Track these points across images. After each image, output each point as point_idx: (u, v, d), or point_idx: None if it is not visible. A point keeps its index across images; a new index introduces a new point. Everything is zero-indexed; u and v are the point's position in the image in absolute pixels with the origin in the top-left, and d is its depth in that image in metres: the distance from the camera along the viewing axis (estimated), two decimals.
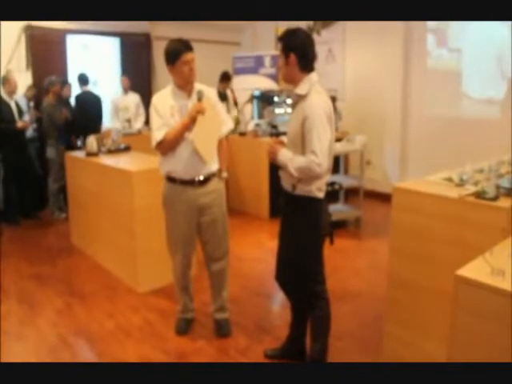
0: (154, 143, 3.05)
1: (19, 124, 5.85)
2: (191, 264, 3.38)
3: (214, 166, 3.18)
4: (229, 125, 3.34)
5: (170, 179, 3.16)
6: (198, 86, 3.11)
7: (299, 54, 2.54)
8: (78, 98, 6.85)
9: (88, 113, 6.74)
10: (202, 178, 3.12)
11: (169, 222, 3.24)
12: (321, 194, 2.62)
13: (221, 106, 3.34)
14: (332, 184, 5.51)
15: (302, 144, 2.52)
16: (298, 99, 2.60)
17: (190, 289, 3.43)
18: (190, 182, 3.11)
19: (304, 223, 2.63)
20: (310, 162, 2.42)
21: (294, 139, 2.58)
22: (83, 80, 6.87)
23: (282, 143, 2.71)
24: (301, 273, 2.71)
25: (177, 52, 2.96)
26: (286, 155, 2.56)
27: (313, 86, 2.56)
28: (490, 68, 5.95)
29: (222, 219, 3.25)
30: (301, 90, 2.57)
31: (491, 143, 5.29)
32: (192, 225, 3.18)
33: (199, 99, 3.01)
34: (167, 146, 3.04)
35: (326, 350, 2.81)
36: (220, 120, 3.21)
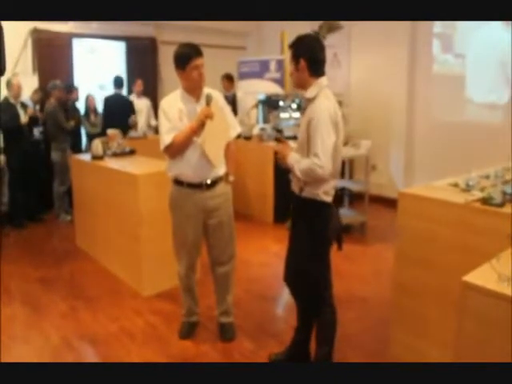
0: (162, 147, 3.06)
1: (23, 119, 5.89)
2: (196, 267, 3.38)
3: (221, 170, 3.19)
4: (237, 129, 3.35)
5: (178, 182, 3.17)
6: (206, 90, 3.12)
7: (309, 59, 2.57)
8: (107, 99, 7.08)
9: (117, 114, 6.92)
10: (209, 181, 3.13)
11: (175, 224, 3.24)
12: (328, 198, 2.62)
13: (229, 110, 3.34)
14: (341, 189, 5.51)
15: (308, 147, 2.54)
16: (307, 103, 2.63)
17: (194, 292, 3.43)
18: (198, 186, 3.12)
19: (310, 226, 2.63)
20: (312, 164, 2.44)
21: (302, 142, 2.61)
22: (118, 83, 7.10)
23: (287, 145, 2.74)
24: (307, 277, 2.70)
25: (187, 57, 2.97)
26: (294, 158, 2.59)
27: (321, 89, 2.58)
28: (495, 73, 5.94)
29: (228, 223, 3.25)
30: (309, 93, 2.60)
31: (497, 148, 5.27)
32: (198, 228, 3.19)
33: (208, 103, 3.02)
34: (175, 150, 3.05)
35: (331, 355, 2.80)
36: (228, 124, 3.22)
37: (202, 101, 3.08)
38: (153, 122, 7.34)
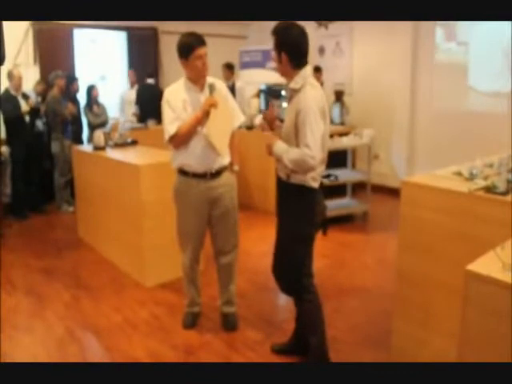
0: (166, 137, 3.06)
1: (23, 108, 5.89)
2: (200, 258, 3.38)
3: (225, 160, 3.18)
4: (240, 118, 3.34)
5: (183, 172, 3.16)
6: (209, 79, 3.12)
7: (291, 53, 2.56)
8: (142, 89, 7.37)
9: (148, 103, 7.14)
10: (214, 171, 3.13)
11: (180, 214, 3.24)
12: (315, 184, 2.64)
13: (232, 99, 3.33)
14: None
15: (295, 137, 2.54)
16: (293, 93, 2.63)
17: (197, 282, 3.43)
18: (203, 176, 3.11)
19: (298, 210, 2.64)
20: (303, 155, 2.45)
21: (288, 132, 2.60)
22: (150, 73, 7.41)
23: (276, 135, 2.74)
24: (290, 262, 2.71)
25: (190, 46, 2.96)
26: (281, 147, 2.59)
27: (306, 79, 2.58)
28: (498, 61, 5.89)
29: (232, 212, 3.25)
30: (294, 84, 2.59)
31: (499, 137, 5.25)
32: (203, 218, 3.19)
33: (211, 92, 3.02)
34: (180, 140, 3.05)
35: (325, 343, 2.80)
36: (231, 113, 3.21)
37: (206, 90, 3.07)
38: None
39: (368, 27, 7.20)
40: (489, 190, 2.44)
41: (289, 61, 2.56)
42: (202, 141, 3.05)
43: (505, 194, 2.38)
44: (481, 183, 2.54)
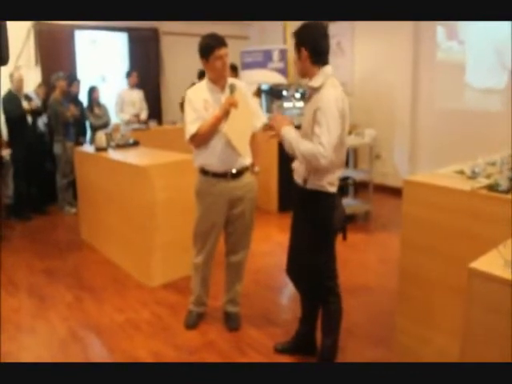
0: (187, 136, 3.08)
1: (25, 107, 5.89)
2: (213, 255, 3.38)
3: (247, 160, 3.20)
4: (262, 119, 3.34)
5: (204, 172, 3.17)
6: (230, 79, 3.15)
7: (310, 49, 2.53)
8: None
9: None
10: (234, 171, 3.14)
11: (201, 214, 3.24)
12: (333, 189, 2.60)
13: (253, 100, 3.34)
14: (345, 179, 5.50)
15: (313, 135, 2.49)
16: (312, 92, 2.59)
17: (208, 281, 3.43)
18: (223, 175, 3.13)
19: (316, 218, 2.61)
20: (316, 152, 2.40)
21: (306, 131, 2.56)
22: (200, 74, 7.19)
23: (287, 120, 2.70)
24: (313, 268, 2.69)
25: (209, 47, 3.01)
26: (291, 133, 2.55)
27: (327, 78, 2.54)
28: (495, 59, 5.88)
29: (250, 213, 3.28)
30: (315, 82, 2.56)
31: (502, 135, 5.23)
32: (223, 217, 3.21)
33: (231, 92, 3.04)
34: (201, 139, 3.07)
35: (337, 345, 2.80)
36: (252, 113, 3.22)
37: (227, 90, 3.10)
38: (143, 115, 7.28)
39: (369, 27, 7.19)
40: (491, 188, 2.43)
41: (309, 57, 2.54)
42: (222, 140, 3.06)
43: (507, 192, 2.37)
44: (483, 181, 2.53)
